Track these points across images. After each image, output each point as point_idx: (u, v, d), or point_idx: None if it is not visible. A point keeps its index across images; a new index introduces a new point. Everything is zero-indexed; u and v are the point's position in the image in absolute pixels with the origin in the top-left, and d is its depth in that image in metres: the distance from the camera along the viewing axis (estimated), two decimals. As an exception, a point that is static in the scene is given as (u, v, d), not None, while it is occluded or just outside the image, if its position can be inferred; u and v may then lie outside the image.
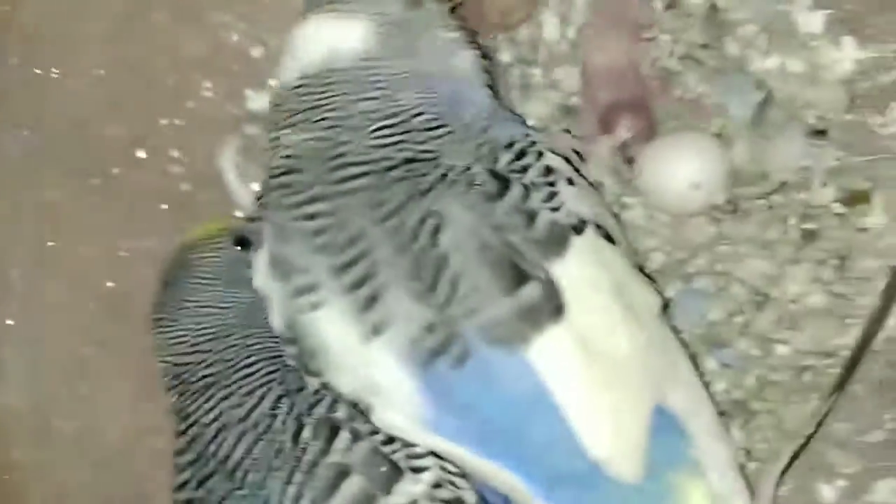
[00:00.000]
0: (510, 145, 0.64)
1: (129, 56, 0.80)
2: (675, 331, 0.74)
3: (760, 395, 0.79)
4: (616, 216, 0.78)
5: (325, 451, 0.61)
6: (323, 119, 0.65)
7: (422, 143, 0.64)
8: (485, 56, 0.72)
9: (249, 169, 0.82)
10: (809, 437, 0.77)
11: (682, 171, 0.74)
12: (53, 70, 0.79)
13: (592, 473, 0.60)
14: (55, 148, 0.80)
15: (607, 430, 0.60)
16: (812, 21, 0.76)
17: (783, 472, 0.74)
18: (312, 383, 0.64)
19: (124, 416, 0.80)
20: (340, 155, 0.63)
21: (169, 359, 0.70)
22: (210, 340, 0.69)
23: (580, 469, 0.60)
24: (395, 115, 0.64)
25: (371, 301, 0.59)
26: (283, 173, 0.65)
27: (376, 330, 0.59)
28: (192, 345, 0.69)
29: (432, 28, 0.68)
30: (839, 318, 0.77)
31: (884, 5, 0.75)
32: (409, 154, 0.63)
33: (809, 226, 0.77)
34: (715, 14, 0.78)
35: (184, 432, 0.67)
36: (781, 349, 0.78)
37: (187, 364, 0.69)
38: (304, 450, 0.62)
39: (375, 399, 0.61)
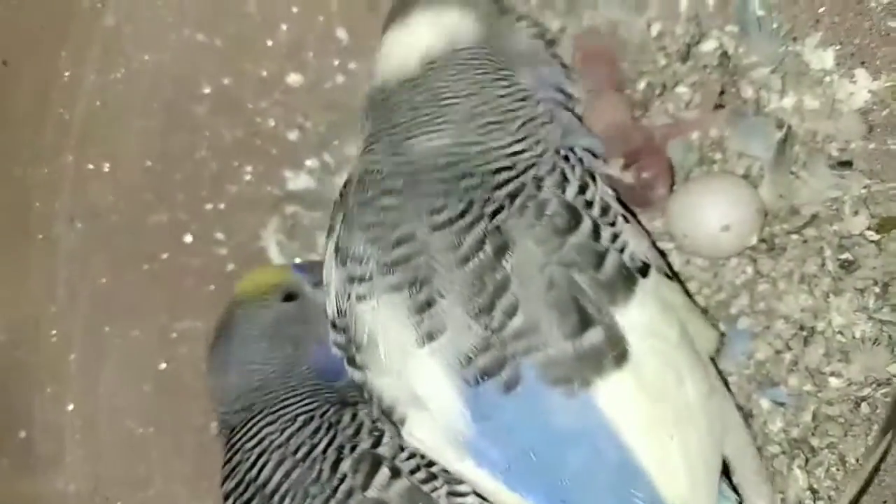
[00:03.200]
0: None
1: (172, 147, 0.85)
2: (724, 374, 0.73)
3: (819, 431, 0.77)
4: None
5: (363, 486, 0.61)
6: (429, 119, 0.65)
7: (502, 149, 0.64)
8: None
9: (291, 246, 0.85)
10: (875, 471, 0.75)
11: (711, 214, 0.75)
12: (105, 164, 0.84)
13: None
14: (107, 237, 0.84)
15: (683, 477, 0.59)
16: (823, 58, 0.79)
17: (853, 509, 0.72)
18: (354, 376, 0.64)
19: (183, 496, 0.81)
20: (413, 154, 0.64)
21: (219, 407, 0.72)
22: (254, 391, 0.71)
23: None
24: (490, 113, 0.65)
25: (426, 305, 0.59)
26: (372, 165, 0.65)
27: (430, 335, 0.58)
28: (237, 396, 0.71)
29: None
30: (888, 345, 0.76)
31: (890, 36, 0.77)
32: (483, 166, 0.62)
33: (846, 256, 0.77)
34: (727, 61, 0.80)
35: (228, 461, 0.68)
36: (834, 382, 0.77)
37: (235, 411, 0.71)
38: (341, 480, 0.62)
39: (412, 410, 0.61)
